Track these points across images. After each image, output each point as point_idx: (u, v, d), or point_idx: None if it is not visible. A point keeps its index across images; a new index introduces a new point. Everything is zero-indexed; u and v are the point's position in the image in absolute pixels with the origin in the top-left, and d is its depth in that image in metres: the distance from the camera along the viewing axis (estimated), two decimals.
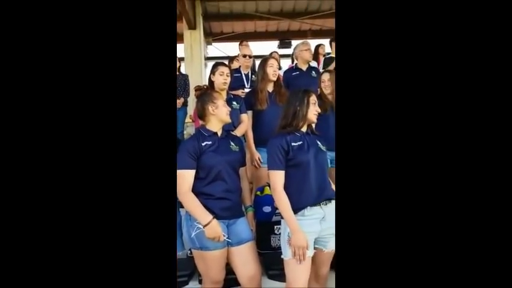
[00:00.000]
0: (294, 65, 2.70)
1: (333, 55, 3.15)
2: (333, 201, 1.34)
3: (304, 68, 2.53)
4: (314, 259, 1.30)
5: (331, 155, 2.01)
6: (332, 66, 2.99)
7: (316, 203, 1.29)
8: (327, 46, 3.53)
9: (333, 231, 1.31)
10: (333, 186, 1.48)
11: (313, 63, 2.91)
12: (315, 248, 1.30)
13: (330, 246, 1.32)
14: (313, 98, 1.37)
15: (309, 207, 1.27)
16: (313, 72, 2.52)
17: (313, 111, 1.36)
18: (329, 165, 1.98)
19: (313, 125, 1.43)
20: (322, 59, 3.31)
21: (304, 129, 1.38)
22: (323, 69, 2.97)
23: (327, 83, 2.03)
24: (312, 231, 1.28)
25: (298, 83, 2.41)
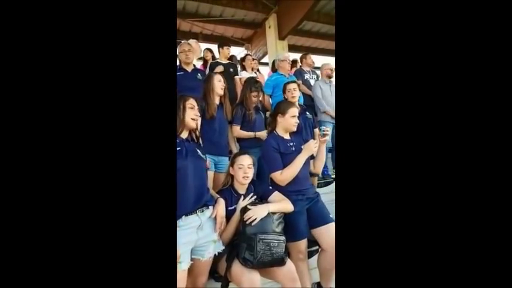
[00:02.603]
0: (178, 64, 2.57)
1: (221, 61, 3.19)
2: (211, 207, 1.31)
3: (188, 69, 2.44)
4: (191, 270, 1.23)
5: (214, 158, 1.99)
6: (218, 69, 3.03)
7: (192, 210, 1.22)
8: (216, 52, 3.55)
9: (211, 238, 1.28)
10: (212, 192, 1.45)
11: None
12: (192, 259, 1.23)
13: (208, 255, 1.27)
14: (190, 103, 1.31)
15: (184, 217, 1.19)
16: (199, 74, 2.46)
17: (190, 116, 1.29)
18: (213, 169, 1.96)
19: (197, 132, 1.37)
20: (209, 63, 3.30)
21: (184, 135, 1.30)
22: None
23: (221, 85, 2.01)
24: (187, 241, 1.20)
25: (182, 83, 2.30)
